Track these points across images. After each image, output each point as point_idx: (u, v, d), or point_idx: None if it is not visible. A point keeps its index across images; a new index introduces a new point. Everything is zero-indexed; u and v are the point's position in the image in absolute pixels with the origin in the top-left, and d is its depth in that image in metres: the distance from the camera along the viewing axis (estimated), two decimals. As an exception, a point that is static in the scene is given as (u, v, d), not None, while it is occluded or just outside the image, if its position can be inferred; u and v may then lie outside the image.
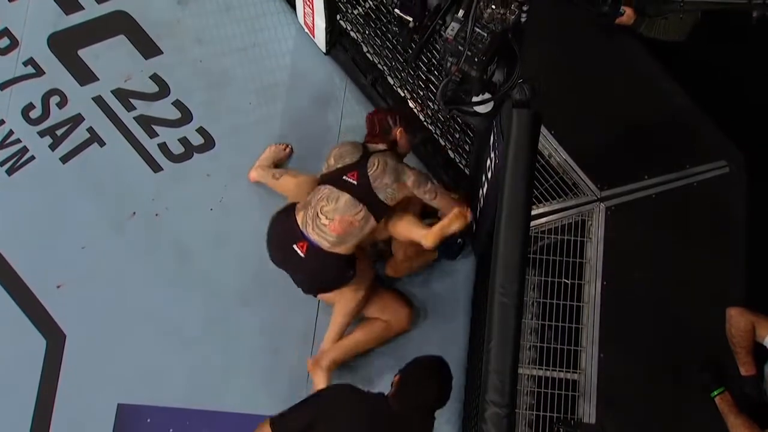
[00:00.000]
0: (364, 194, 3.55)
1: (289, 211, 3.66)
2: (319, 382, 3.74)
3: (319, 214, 3.55)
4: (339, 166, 3.62)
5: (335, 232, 3.55)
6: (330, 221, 3.54)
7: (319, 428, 3.01)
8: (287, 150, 4.16)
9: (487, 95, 2.82)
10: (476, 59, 2.59)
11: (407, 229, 3.69)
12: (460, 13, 2.63)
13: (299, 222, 3.60)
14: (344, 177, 3.57)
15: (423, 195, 3.65)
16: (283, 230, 3.65)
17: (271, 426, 3.05)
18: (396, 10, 2.93)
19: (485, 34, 2.56)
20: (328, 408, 3.05)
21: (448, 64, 2.69)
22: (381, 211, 3.59)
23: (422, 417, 3.06)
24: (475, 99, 2.83)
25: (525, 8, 2.53)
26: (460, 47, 2.60)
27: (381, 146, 3.70)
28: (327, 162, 3.71)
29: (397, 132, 3.71)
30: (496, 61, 2.69)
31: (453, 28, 2.63)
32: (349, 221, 3.54)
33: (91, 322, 3.97)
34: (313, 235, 3.57)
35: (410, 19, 2.92)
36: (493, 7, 2.51)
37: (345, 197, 3.55)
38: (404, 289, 4.02)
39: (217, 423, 3.88)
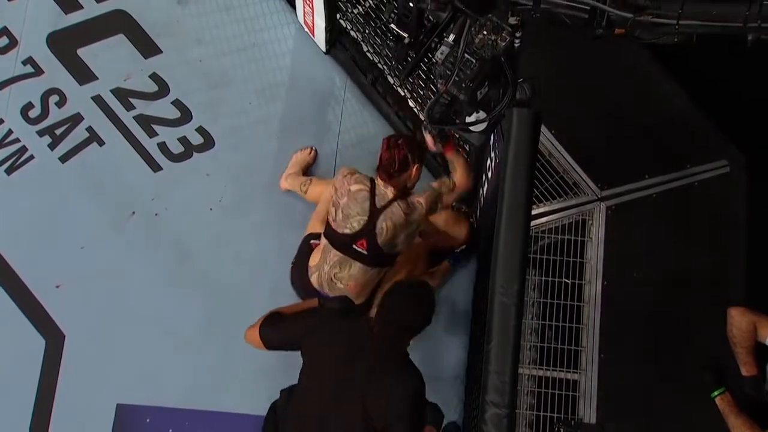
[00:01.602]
0: (375, 260, 3.55)
1: (303, 271, 3.69)
2: None
3: (334, 279, 3.58)
4: (347, 231, 3.49)
5: (353, 292, 3.60)
6: (345, 285, 3.58)
7: (306, 343, 3.12)
8: (312, 153, 4.13)
9: (481, 114, 2.81)
10: (464, 84, 2.59)
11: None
12: (451, 37, 2.62)
13: (314, 284, 3.65)
14: (354, 246, 3.50)
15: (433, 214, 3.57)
16: (302, 287, 3.74)
17: (260, 330, 3.16)
18: (392, 25, 2.93)
19: (474, 60, 2.55)
20: (317, 326, 3.13)
21: (438, 85, 2.70)
22: (394, 258, 3.62)
23: (399, 336, 3.09)
24: (468, 119, 2.82)
25: (518, 34, 2.53)
26: (448, 71, 2.61)
27: (389, 192, 3.47)
28: (335, 209, 3.53)
29: (414, 169, 3.47)
30: (487, 85, 2.69)
31: (443, 51, 2.63)
32: (363, 283, 3.59)
33: (90, 322, 3.96)
34: (331, 294, 3.62)
35: (406, 35, 2.92)
36: (485, 32, 2.50)
37: (357, 265, 3.55)
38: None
39: (216, 423, 3.88)
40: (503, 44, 2.49)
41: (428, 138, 3.47)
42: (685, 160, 4.12)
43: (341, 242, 3.52)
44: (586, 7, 2.31)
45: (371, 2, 4.01)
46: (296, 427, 3.16)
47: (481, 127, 2.83)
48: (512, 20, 2.47)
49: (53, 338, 3.95)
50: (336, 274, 3.56)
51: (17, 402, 3.86)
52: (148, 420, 3.87)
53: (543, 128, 3.89)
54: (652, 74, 4.15)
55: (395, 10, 2.91)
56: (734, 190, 4.08)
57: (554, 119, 4.01)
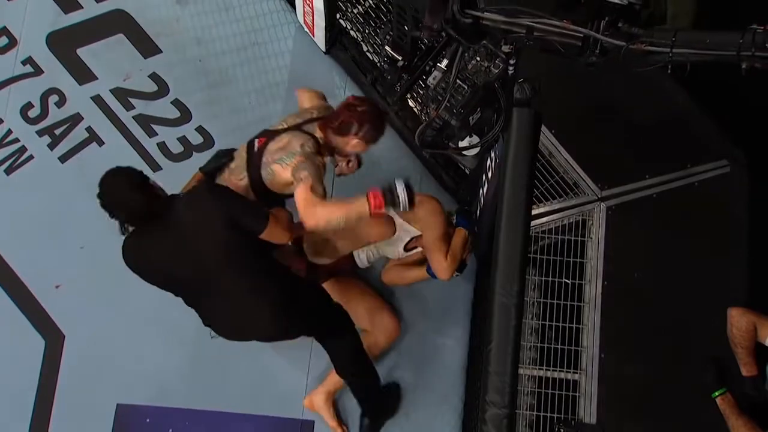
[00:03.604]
0: (253, 165, 3.29)
1: None
2: (326, 416, 3.84)
3: (228, 168, 3.39)
4: (275, 126, 3.33)
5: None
6: (227, 180, 3.37)
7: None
8: None
9: (475, 138, 2.80)
10: (455, 110, 2.59)
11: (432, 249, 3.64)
12: (444, 62, 2.61)
13: None
14: (255, 140, 3.32)
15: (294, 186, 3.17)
16: None
17: None
18: (387, 47, 2.92)
19: (466, 87, 2.55)
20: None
21: (429, 109, 2.69)
22: (262, 190, 3.31)
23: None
24: (461, 143, 2.81)
25: (512, 61, 2.52)
26: (440, 96, 2.60)
27: (318, 133, 3.29)
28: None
29: (352, 142, 3.27)
30: (479, 111, 2.68)
31: (435, 76, 2.62)
32: (234, 184, 3.32)
33: (90, 321, 3.96)
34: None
35: (400, 57, 2.91)
36: (478, 59, 2.50)
37: (240, 160, 3.34)
38: (404, 289, 4.01)
39: (216, 423, 3.88)
40: (496, 71, 2.48)
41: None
42: (686, 159, 4.10)
43: (253, 138, 3.37)
44: (579, 35, 2.31)
45: (371, 2, 4.00)
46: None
47: (474, 151, 2.82)
48: (506, 48, 2.47)
49: (53, 338, 3.95)
50: (230, 164, 3.38)
51: (17, 402, 3.86)
52: (147, 420, 3.87)
53: (543, 128, 3.88)
54: (652, 74, 4.13)
55: (390, 33, 2.91)
56: (734, 190, 4.07)
57: (554, 119, 4.00)
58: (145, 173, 3.07)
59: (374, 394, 3.75)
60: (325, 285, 3.67)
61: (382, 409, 3.86)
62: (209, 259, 3.08)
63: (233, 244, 3.07)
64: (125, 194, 3.01)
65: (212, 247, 3.06)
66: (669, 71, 2.31)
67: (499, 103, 2.66)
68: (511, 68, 2.52)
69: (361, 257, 3.87)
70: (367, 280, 3.99)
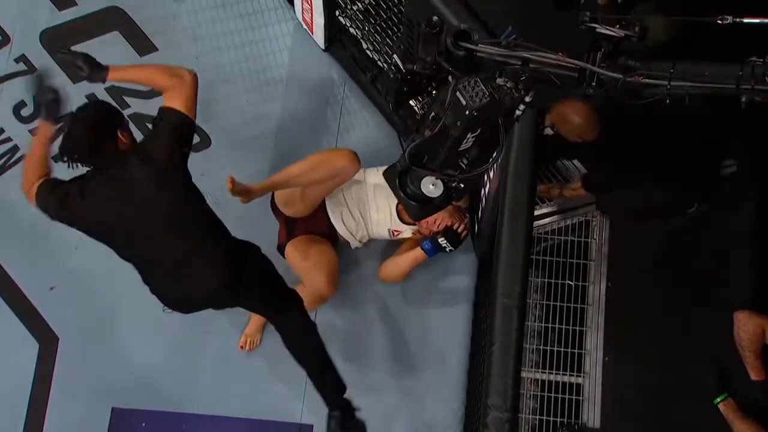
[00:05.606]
0: None
1: None
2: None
3: None
4: None
5: None
6: None
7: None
8: None
9: (438, 184, 2.73)
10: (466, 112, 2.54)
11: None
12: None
13: None
14: None
15: None
16: None
17: None
18: (394, 56, 2.88)
19: (487, 91, 2.51)
20: None
21: (430, 117, 2.63)
22: None
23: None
24: (424, 184, 2.74)
25: (528, 99, 2.47)
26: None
27: None
28: None
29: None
30: (479, 133, 2.62)
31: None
32: None
33: (84, 324, 3.92)
34: None
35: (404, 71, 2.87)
36: (506, 80, 2.46)
37: None
38: (405, 289, 3.98)
39: (213, 427, 3.84)
40: (517, 96, 2.44)
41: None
42: (691, 159, 4.06)
43: None
44: (576, 67, 2.28)
45: (371, -1, 3.96)
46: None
47: (437, 193, 2.74)
48: (500, 81, 2.43)
49: (46, 341, 3.91)
50: None
51: (10, 406, 3.83)
52: (143, 424, 3.85)
53: (545, 127, 3.85)
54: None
55: (402, 45, 2.87)
56: (741, 190, 4.03)
57: (557, 118, 3.96)
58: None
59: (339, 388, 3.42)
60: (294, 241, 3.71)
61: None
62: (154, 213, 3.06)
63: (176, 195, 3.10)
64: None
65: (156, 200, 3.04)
66: (668, 102, 2.28)
67: (488, 154, 2.59)
68: (521, 107, 2.46)
69: (349, 238, 3.85)
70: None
